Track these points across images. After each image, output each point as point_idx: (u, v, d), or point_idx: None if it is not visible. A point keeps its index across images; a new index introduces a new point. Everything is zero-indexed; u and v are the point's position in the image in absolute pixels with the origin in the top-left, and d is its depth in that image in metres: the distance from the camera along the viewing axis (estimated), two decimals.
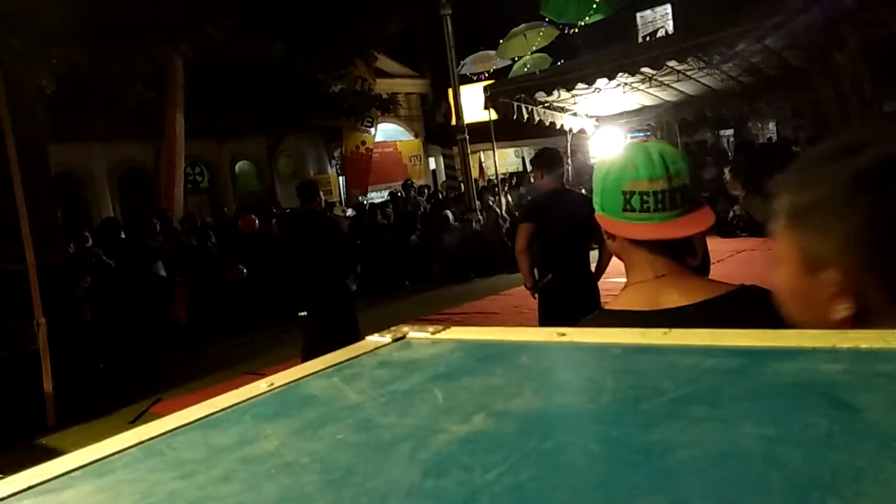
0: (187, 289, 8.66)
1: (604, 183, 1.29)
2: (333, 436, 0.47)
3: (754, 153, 14.01)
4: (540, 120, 10.33)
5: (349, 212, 13.73)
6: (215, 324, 8.72)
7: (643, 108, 11.32)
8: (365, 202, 15.21)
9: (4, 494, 0.44)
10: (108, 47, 10.50)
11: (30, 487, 0.45)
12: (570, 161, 11.02)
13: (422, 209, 13.20)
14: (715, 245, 5.17)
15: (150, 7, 9.65)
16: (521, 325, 0.73)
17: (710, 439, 0.38)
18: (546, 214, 4.19)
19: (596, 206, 1.33)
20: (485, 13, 16.94)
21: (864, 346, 0.47)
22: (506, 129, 12.36)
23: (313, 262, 5.37)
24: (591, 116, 11.46)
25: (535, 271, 4.36)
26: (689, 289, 1.18)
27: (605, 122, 11.67)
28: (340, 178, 19.23)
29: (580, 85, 8.88)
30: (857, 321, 0.72)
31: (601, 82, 8.86)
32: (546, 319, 4.22)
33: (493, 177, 14.52)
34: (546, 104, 10.29)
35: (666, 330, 0.58)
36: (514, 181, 15.24)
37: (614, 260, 1.46)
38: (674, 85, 10.02)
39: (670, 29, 16.19)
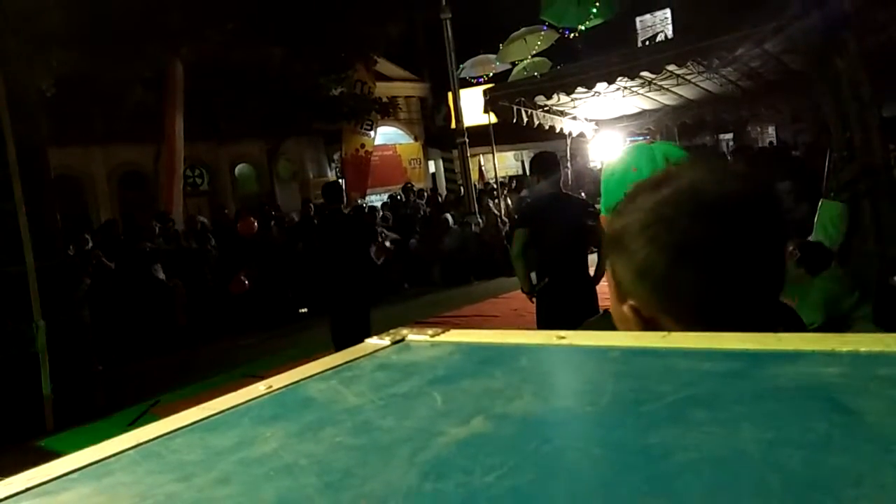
0: (186, 291, 8.66)
1: (608, 184, 1.29)
2: (332, 438, 0.47)
3: (753, 157, 14.02)
4: (539, 123, 10.33)
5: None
6: (214, 326, 8.72)
7: (643, 112, 11.32)
8: (364, 205, 15.21)
9: (2, 496, 0.44)
10: (109, 50, 10.52)
11: (27, 489, 0.45)
12: (569, 165, 11.03)
13: (421, 212, 13.21)
14: None
15: (150, 10, 9.66)
16: (520, 328, 0.73)
17: (710, 442, 0.38)
18: (543, 219, 4.19)
19: (601, 208, 1.33)
20: (484, 17, 16.96)
21: (863, 349, 0.47)
22: (505, 133, 12.38)
23: (337, 258, 5.71)
24: (591, 120, 11.47)
25: (533, 275, 4.36)
26: None
27: (604, 125, 11.67)
28: (340, 180, 19.23)
29: (580, 89, 8.88)
30: None
31: (601, 86, 8.86)
32: (544, 323, 4.22)
33: (493, 180, 14.54)
34: (546, 108, 10.29)
35: (665, 333, 0.58)
36: (513, 184, 15.25)
37: None
38: (673, 89, 10.03)
39: (670, 33, 16.22)
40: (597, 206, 2.82)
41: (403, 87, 21.32)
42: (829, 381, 0.44)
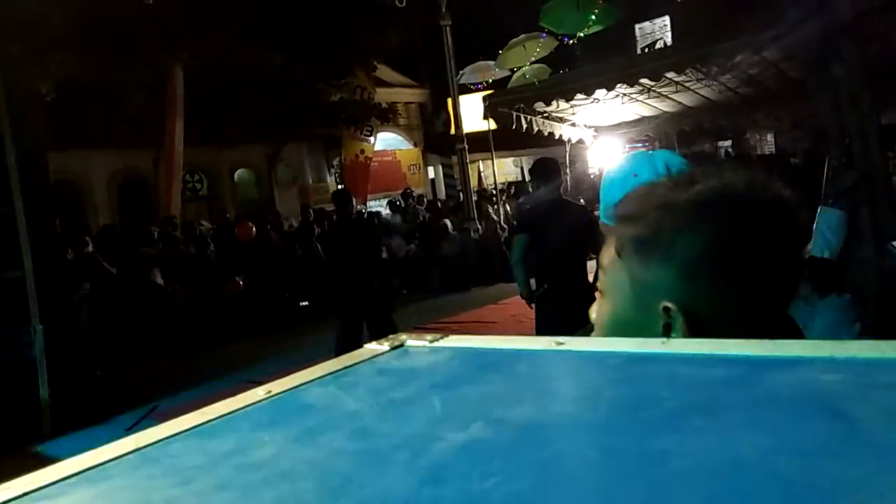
0: (185, 296, 8.66)
1: (607, 191, 1.30)
2: (331, 443, 0.47)
3: (752, 164, 14.04)
4: (539, 130, 10.35)
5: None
6: (213, 331, 8.71)
7: (642, 119, 11.35)
8: (364, 210, 15.21)
9: (0, 501, 0.44)
10: (109, 55, 10.54)
11: (25, 494, 0.45)
12: (568, 171, 11.04)
13: (420, 218, 13.21)
14: None
15: (151, 16, 9.68)
16: (519, 334, 0.73)
17: (709, 449, 0.38)
18: (542, 225, 4.20)
19: (601, 215, 1.33)
20: (484, 24, 17.01)
21: (862, 356, 0.47)
22: (504, 139, 12.40)
23: (346, 260, 5.99)
24: (590, 127, 11.49)
25: (532, 281, 4.36)
26: None
27: (603, 132, 11.69)
28: (339, 186, 19.25)
29: (579, 95, 8.90)
30: None
31: (600, 93, 8.88)
32: (543, 329, 4.22)
33: (492, 186, 14.55)
34: (545, 114, 10.31)
35: (664, 339, 0.58)
36: (512, 190, 15.26)
37: None
38: (672, 96, 10.05)
39: (669, 40, 16.26)
40: (595, 212, 2.82)
41: (403, 93, 21.36)
42: (827, 388, 0.44)
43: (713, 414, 0.43)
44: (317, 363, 0.65)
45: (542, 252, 4.20)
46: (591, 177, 12.61)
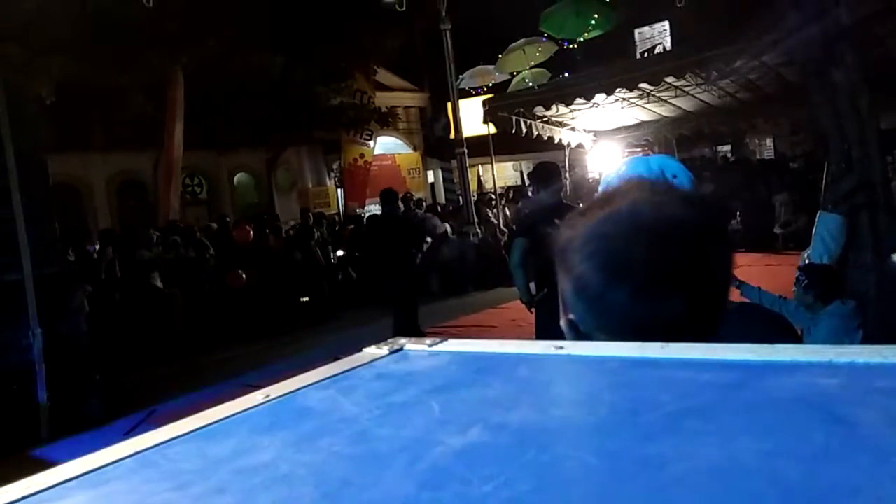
0: (184, 300, 8.65)
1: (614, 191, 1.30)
2: (330, 447, 0.47)
3: (751, 169, 14.07)
4: (538, 134, 10.37)
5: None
6: (212, 335, 8.70)
7: (641, 124, 11.37)
8: (362, 214, 15.22)
9: None
10: (109, 58, 10.54)
11: (23, 498, 0.44)
12: (568, 175, 11.06)
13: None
14: None
15: (151, 19, 9.69)
16: (518, 338, 0.74)
17: (708, 453, 0.38)
18: (542, 229, 4.19)
19: None
20: (484, 28, 17.04)
21: (860, 360, 0.47)
22: (504, 143, 12.42)
23: (389, 254, 6.57)
24: (589, 131, 11.51)
25: (532, 286, 4.36)
26: None
27: (602, 136, 11.72)
28: (339, 190, 19.26)
29: (578, 100, 8.92)
30: None
31: (599, 97, 8.90)
32: (543, 333, 4.21)
33: (492, 190, 14.55)
34: (544, 118, 10.33)
35: (663, 344, 0.58)
36: (511, 195, 15.27)
37: None
38: (671, 101, 10.07)
39: (668, 45, 16.31)
40: None
41: (403, 97, 21.39)
42: (826, 393, 0.44)
43: (712, 418, 0.43)
44: (315, 367, 0.65)
45: (543, 256, 4.19)
46: (591, 181, 12.61)
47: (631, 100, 9.76)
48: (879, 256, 4.23)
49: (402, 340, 0.70)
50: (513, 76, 15.42)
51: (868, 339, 3.47)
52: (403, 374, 0.62)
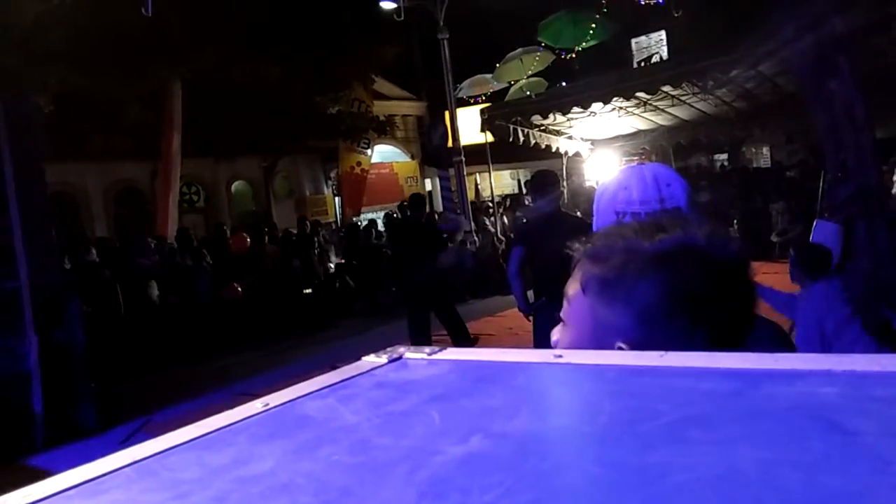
0: (181, 308, 8.63)
1: (599, 204, 1.31)
2: (329, 457, 0.47)
3: (748, 178, 14.11)
4: (536, 143, 10.40)
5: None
6: (208, 344, 8.68)
7: (638, 133, 11.41)
8: (359, 222, 15.22)
9: None
10: (107, 68, 10.55)
11: None
12: (565, 184, 11.08)
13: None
14: None
15: (150, 29, 9.71)
16: (515, 347, 0.74)
17: (708, 462, 0.38)
18: (540, 237, 4.19)
19: (595, 228, 1.34)
20: (482, 38, 17.11)
21: (859, 369, 0.47)
22: (502, 152, 12.44)
23: (417, 257, 6.78)
24: (587, 140, 11.55)
25: (530, 294, 4.36)
26: None
27: (600, 145, 11.75)
28: (336, 198, 19.27)
29: (576, 109, 8.96)
30: None
31: (596, 106, 8.94)
32: (540, 342, 4.21)
33: (489, 198, 14.56)
34: (542, 127, 10.36)
35: (661, 353, 0.58)
36: (508, 203, 15.29)
37: None
38: (668, 110, 10.12)
39: (665, 55, 16.37)
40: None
41: (401, 106, 21.44)
42: (825, 401, 0.44)
43: (712, 427, 0.43)
44: (313, 376, 0.65)
45: (540, 264, 4.20)
46: (588, 189, 12.65)
47: (628, 109, 9.80)
48: (875, 265, 4.25)
49: (402, 349, 0.70)
50: (510, 85, 15.47)
51: (861, 313, 3.49)
52: (403, 382, 0.62)
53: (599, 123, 10.44)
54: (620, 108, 9.61)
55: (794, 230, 10.57)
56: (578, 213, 5.84)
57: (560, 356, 0.61)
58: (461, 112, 14.81)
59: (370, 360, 0.68)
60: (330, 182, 19.78)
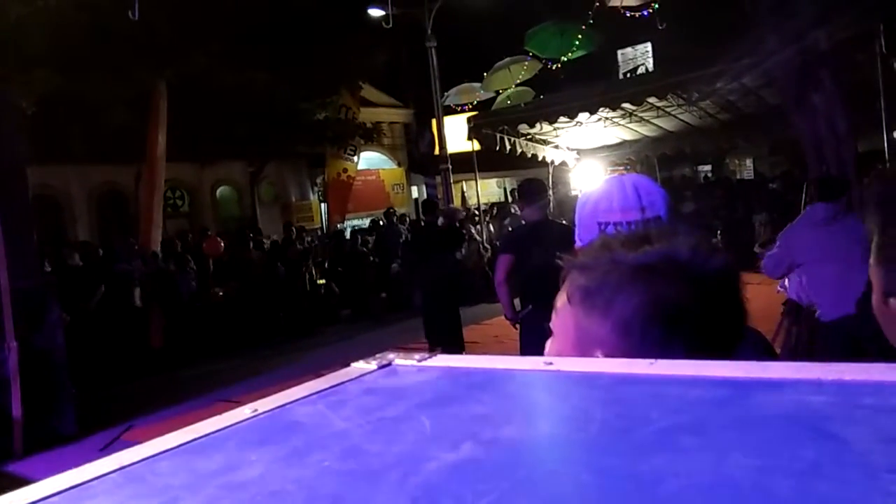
0: (164, 313, 8.55)
1: (581, 214, 1.32)
2: (319, 463, 0.46)
3: (731, 189, 14.26)
4: (522, 151, 10.44)
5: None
6: (190, 350, 8.60)
7: (623, 143, 11.48)
8: (343, 229, 15.18)
9: None
10: (92, 70, 10.47)
11: None
12: (552, 192, 11.12)
13: (403, 237, 13.19)
14: None
15: (135, 31, 9.65)
16: (502, 354, 0.74)
17: (699, 469, 0.38)
18: (526, 246, 4.20)
19: (576, 238, 1.35)
20: (469, 46, 17.18)
21: (848, 378, 0.48)
22: (488, 160, 12.47)
23: (429, 260, 7.12)
24: (573, 149, 11.61)
25: (517, 302, 4.36)
26: None
27: (586, 154, 11.81)
28: (322, 204, 19.22)
29: (562, 118, 9.00)
30: None
31: (583, 116, 9.00)
32: (526, 350, 4.21)
33: (476, 206, 14.58)
34: (528, 136, 10.41)
35: (651, 361, 0.59)
36: (495, 211, 15.31)
37: None
38: (653, 120, 10.20)
39: (650, 66, 16.50)
40: None
41: (388, 113, 21.46)
42: (815, 410, 0.44)
43: (703, 435, 0.43)
44: (300, 382, 0.64)
45: (527, 272, 4.21)
46: (574, 198, 12.71)
47: (614, 119, 9.87)
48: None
49: (391, 355, 0.70)
50: (497, 94, 15.53)
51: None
52: (393, 388, 0.62)
53: (585, 133, 10.50)
54: (606, 118, 9.68)
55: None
56: (564, 222, 5.87)
57: (550, 363, 0.61)
58: (448, 120, 14.85)
59: (359, 366, 0.68)
60: (316, 188, 19.73)
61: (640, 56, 18.59)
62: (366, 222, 16.33)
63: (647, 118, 9.99)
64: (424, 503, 0.38)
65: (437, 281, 7.10)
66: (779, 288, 4.23)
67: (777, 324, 4.09)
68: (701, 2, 13.78)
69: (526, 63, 14.40)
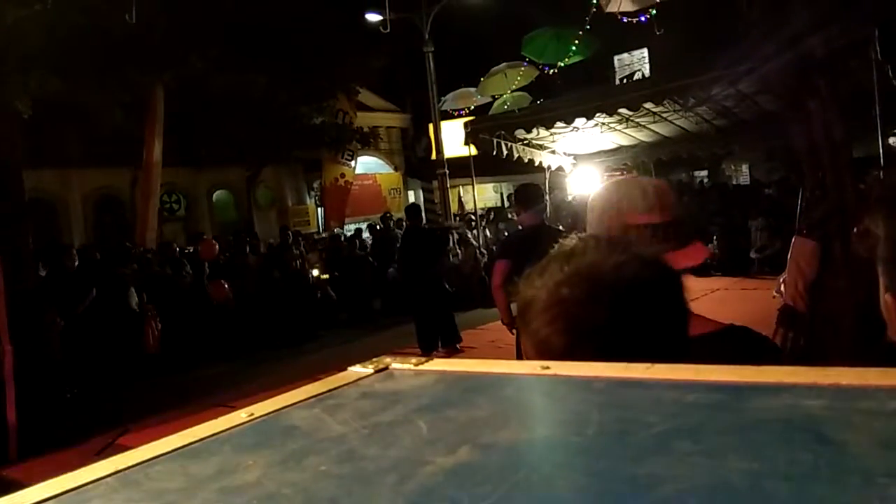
0: (160, 318, 8.53)
1: (600, 215, 1.30)
2: (316, 467, 0.46)
3: (727, 194, 14.30)
4: (519, 156, 10.44)
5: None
6: (186, 354, 8.58)
7: (620, 148, 11.50)
8: (342, 234, 15.16)
9: None
10: (89, 74, 10.45)
11: None
12: (548, 198, 11.12)
13: (399, 242, 13.18)
14: (689, 283, 5.19)
15: (133, 35, 9.65)
16: (498, 359, 0.74)
17: (697, 473, 0.38)
18: (523, 251, 4.20)
19: None
20: (466, 51, 17.21)
21: (844, 382, 0.48)
22: (485, 165, 12.47)
23: (415, 263, 7.28)
24: (569, 154, 11.62)
25: (513, 307, 4.36)
26: None
27: (582, 160, 11.82)
28: (319, 209, 19.21)
29: (559, 123, 9.01)
30: None
31: (579, 121, 9.00)
32: (523, 355, 4.21)
33: (472, 211, 14.60)
34: (525, 141, 10.41)
35: (649, 364, 0.59)
36: (491, 216, 15.32)
37: None
38: (650, 126, 10.22)
39: (647, 72, 16.58)
40: None
41: (385, 118, 21.45)
42: (812, 414, 0.44)
43: (700, 438, 0.43)
44: (296, 386, 0.64)
45: (522, 277, 4.20)
46: (571, 203, 12.72)
47: (610, 124, 9.88)
48: (852, 282, 4.30)
49: (388, 359, 0.70)
50: (494, 99, 15.56)
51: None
52: (389, 393, 0.62)
53: (582, 139, 10.51)
54: (603, 123, 9.69)
55: (773, 247, 10.71)
56: (560, 227, 5.87)
57: (547, 367, 0.61)
58: (445, 125, 14.86)
59: (356, 370, 0.68)
60: (313, 193, 19.71)
61: (636, 62, 18.69)
62: (363, 227, 16.32)
63: (643, 123, 10.01)
64: None
65: (423, 282, 7.21)
66: (774, 293, 4.24)
67: (773, 330, 4.09)
68: (697, 8, 13.82)
69: (522, 68, 14.43)
